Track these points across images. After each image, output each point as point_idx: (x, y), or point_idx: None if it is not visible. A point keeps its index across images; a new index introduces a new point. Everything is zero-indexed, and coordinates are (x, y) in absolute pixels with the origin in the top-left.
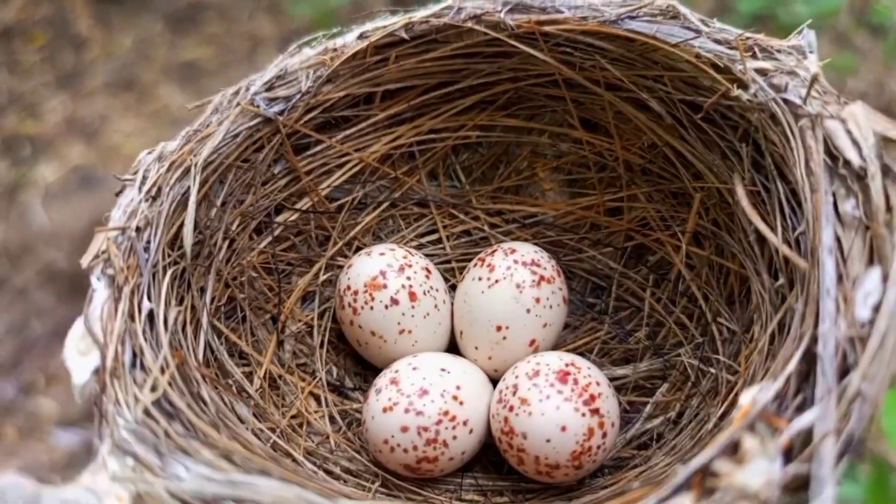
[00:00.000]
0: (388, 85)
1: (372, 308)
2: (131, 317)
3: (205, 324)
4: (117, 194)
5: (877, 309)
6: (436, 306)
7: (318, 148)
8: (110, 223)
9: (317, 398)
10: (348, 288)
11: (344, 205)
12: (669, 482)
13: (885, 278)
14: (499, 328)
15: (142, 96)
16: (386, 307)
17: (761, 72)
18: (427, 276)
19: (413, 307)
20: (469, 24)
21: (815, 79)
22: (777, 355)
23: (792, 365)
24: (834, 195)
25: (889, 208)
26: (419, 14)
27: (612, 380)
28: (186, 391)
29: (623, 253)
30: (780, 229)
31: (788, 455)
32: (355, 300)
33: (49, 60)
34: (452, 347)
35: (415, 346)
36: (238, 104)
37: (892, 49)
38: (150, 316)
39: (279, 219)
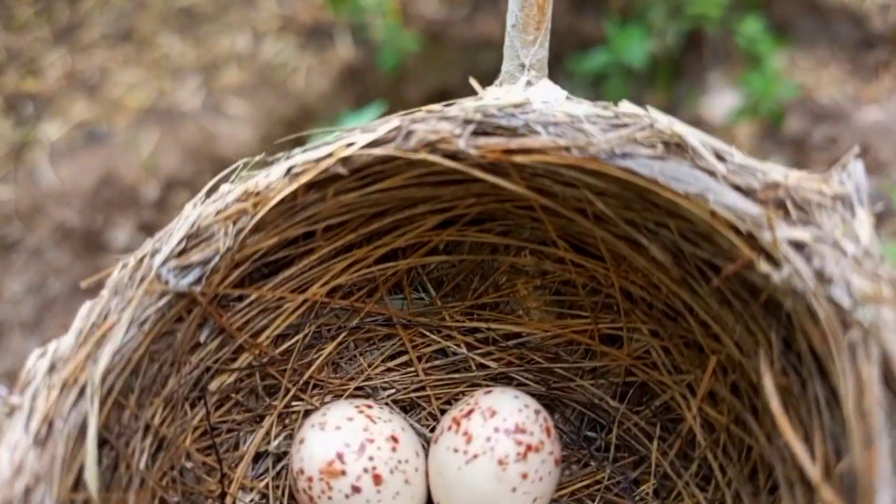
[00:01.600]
0: (328, 221)
1: (331, 498)
2: None
3: None
4: (8, 415)
5: None
6: (406, 481)
7: (252, 298)
8: None
9: None
10: (301, 471)
11: (292, 348)
12: None
13: None
14: None
15: (141, 46)
16: (346, 496)
17: (797, 244)
18: (394, 448)
19: (379, 491)
20: (421, 156)
21: (850, 260)
22: None
23: None
24: (892, 435)
25: None
26: (359, 142)
27: None
28: None
29: (619, 388)
30: (818, 446)
31: None
32: (310, 487)
33: (44, 14)
34: None
35: None
36: (142, 281)
37: None
38: None
39: (213, 386)
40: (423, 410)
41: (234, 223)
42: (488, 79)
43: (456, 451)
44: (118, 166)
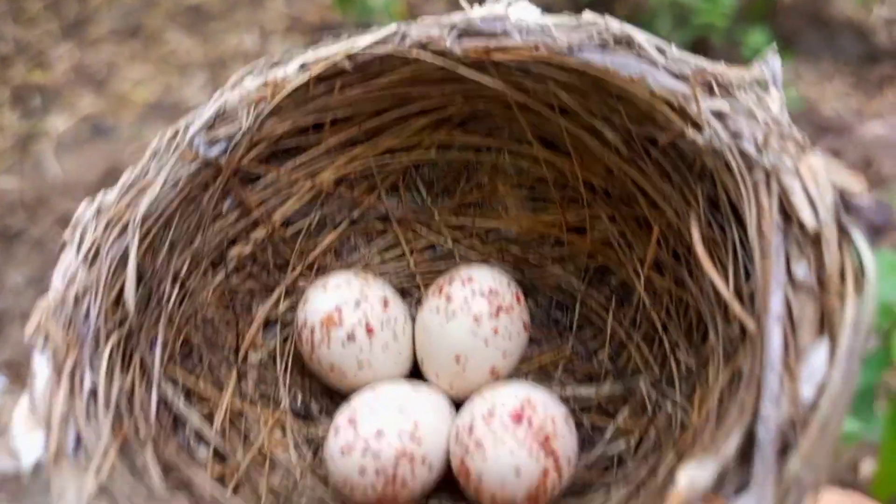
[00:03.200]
0: (335, 113)
1: (329, 346)
2: (71, 394)
3: (156, 377)
4: (59, 251)
5: (821, 388)
6: (395, 337)
7: (269, 179)
8: (50, 290)
9: (282, 427)
10: (305, 324)
11: (300, 230)
12: None
13: (832, 356)
14: (458, 359)
15: (148, 42)
16: (343, 344)
17: (718, 114)
18: (385, 308)
19: (371, 341)
20: (414, 53)
21: (759, 125)
22: (723, 420)
23: (731, 444)
24: (787, 256)
25: (843, 277)
26: (362, 42)
27: (575, 398)
28: (132, 470)
29: (586, 272)
30: (732, 279)
31: None
32: (312, 336)
33: (53, 8)
34: (416, 369)
35: (374, 377)
36: (176, 149)
37: None
38: (94, 392)
39: (232, 252)
40: (413, 296)
41: (255, 107)
42: None
43: (438, 310)
44: (123, 160)
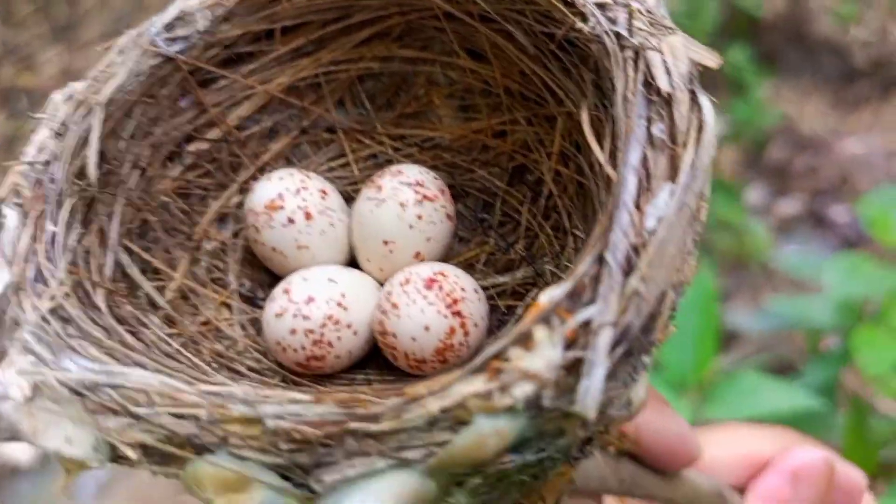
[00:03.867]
0: (284, 22)
1: (272, 227)
2: (35, 239)
3: (112, 244)
4: (32, 132)
5: (661, 219)
6: (331, 224)
7: (223, 83)
8: (22, 157)
9: (229, 307)
10: (251, 210)
11: (253, 133)
12: (468, 366)
13: (672, 194)
14: (386, 242)
15: None
16: (283, 226)
17: (601, 6)
18: (323, 197)
19: (308, 225)
20: None
21: (635, 12)
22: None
23: (583, 267)
24: (648, 117)
25: (689, 133)
26: None
27: (493, 286)
28: (84, 302)
29: (507, 172)
30: (609, 147)
31: (573, 344)
32: (257, 220)
33: (43, 11)
34: (352, 261)
35: (312, 260)
36: (140, 45)
37: None
38: (53, 238)
39: (190, 148)
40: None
41: (212, 12)
42: None
43: (370, 199)
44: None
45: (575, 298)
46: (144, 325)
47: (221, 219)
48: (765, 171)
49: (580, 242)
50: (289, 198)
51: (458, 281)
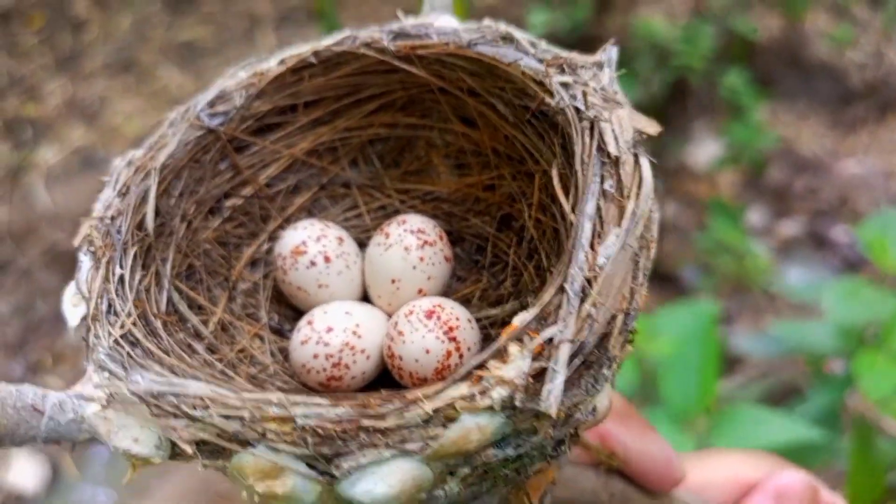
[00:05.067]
0: (306, 97)
1: (297, 269)
2: (107, 280)
3: (166, 283)
4: (98, 193)
5: (609, 257)
6: (347, 266)
7: (255, 149)
8: (93, 214)
9: (261, 338)
10: (279, 254)
11: (280, 190)
12: (455, 375)
13: (618, 236)
14: (393, 281)
15: (141, 77)
16: (306, 268)
17: (565, 84)
18: (339, 243)
19: (328, 267)
20: (362, 50)
21: (588, 91)
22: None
23: (547, 296)
24: (601, 176)
25: (632, 187)
26: (324, 42)
27: (486, 318)
28: (146, 329)
29: (496, 220)
30: (572, 199)
31: (539, 357)
32: (284, 263)
33: (48, 43)
34: (365, 297)
35: (331, 297)
36: (187, 119)
37: (890, 19)
38: (122, 279)
39: (227, 203)
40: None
41: (246, 90)
42: None
43: (379, 244)
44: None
45: (541, 321)
46: (193, 349)
47: (254, 263)
48: (765, 192)
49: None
50: (311, 244)
51: (454, 312)
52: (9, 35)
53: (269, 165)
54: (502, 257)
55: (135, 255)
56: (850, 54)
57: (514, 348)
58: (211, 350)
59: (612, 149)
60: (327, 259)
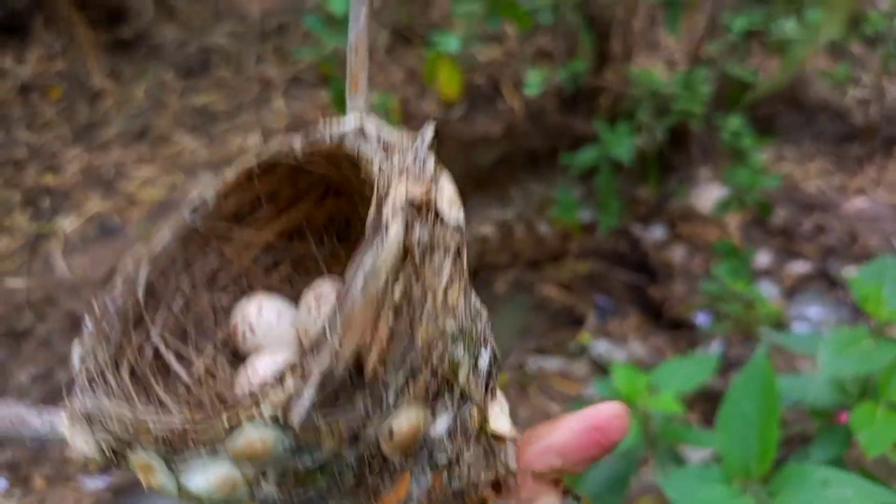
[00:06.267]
0: (262, 193)
1: (239, 342)
2: (99, 340)
3: (153, 340)
4: (115, 259)
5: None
6: (270, 327)
7: (236, 235)
8: (100, 298)
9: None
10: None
11: (261, 266)
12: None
13: (358, 275)
14: (303, 325)
15: (156, 144)
16: (244, 340)
17: (381, 163)
18: (260, 312)
19: (254, 334)
20: (283, 158)
21: (392, 165)
22: None
23: (312, 337)
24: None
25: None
26: (264, 152)
27: None
28: (126, 374)
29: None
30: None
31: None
32: (231, 339)
33: (65, 113)
34: None
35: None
36: (175, 220)
37: (889, 56)
38: (109, 338)
39: (218, 279)
40: None
41: (216, 194)
42: (486, 171)
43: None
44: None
45: (304, 356)
46: (169, 389)
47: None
48: (772, 233)
49: None
50: (239, 322)
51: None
52: (28, 107)
53: (247, 249)
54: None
55: (125, 320)
56: (851, 92)
57: (288, 374)
58: (188, 390)
59: (385, 207)
60: (251, 328)
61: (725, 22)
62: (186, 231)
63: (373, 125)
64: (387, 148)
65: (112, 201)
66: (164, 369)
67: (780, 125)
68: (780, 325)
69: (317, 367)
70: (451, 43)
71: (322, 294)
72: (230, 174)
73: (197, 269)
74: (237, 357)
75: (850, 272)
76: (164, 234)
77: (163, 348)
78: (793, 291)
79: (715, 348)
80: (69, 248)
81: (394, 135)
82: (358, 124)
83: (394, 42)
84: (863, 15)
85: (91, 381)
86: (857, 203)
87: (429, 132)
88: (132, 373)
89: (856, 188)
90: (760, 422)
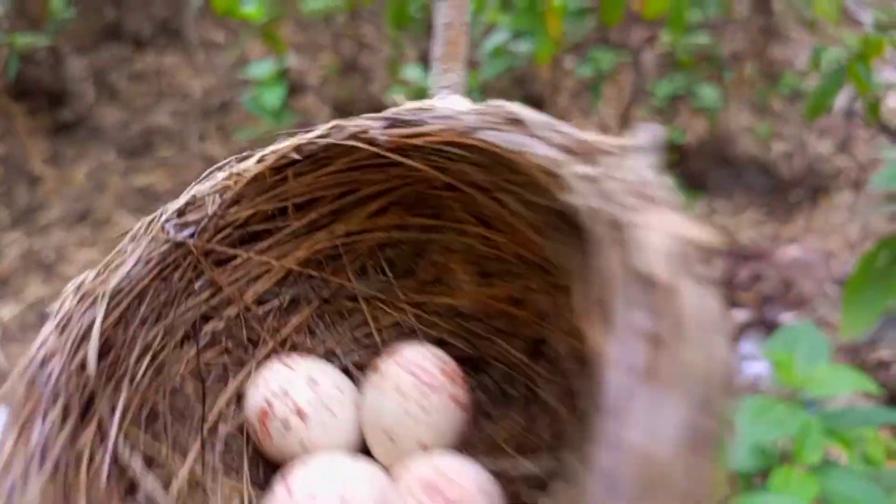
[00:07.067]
0: (294, 199)
1: (271, 438)
2: (17, 443)
3: (112, 441)
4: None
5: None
6: (331, 413)
7: (239, 260)
8: (25, 356)
9: (240, 497)
10: (249, 420)
11: (273, 309)
12: None
13: (666, 406)
14: (389, 432)
15: (97, 226)
16: (282, 432)
17: (585, 177)
18: (314, 387)
19: (306, 424)
20: (350, 142)
21: (615, 185)
22: None
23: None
24: (634, 308)
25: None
26: (308, 135)
27: (517, 473)
28: None
29: (526, 344)
30: (601, 336)
31: None
32: (257, 433)
33: (4, 198)
34: (364, 444)
35: (319, 450)
36: (150, 232)
37: (810, 112)
38: (44, 446)
39: (206, 328)
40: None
41: (221, 195)
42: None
43: (371, 385)
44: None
45: None
46: None
47: (239, 398)
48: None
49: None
50: (277, 403)
51: (463, 482)
52: None
53: (257, 279)
54: (536, 391)
55: (67, 407)
56: (775, 146)
57: None
58: None
59: (645, 266)
60: (301, 414)
61: (650, 89)
62: (168, 249)
63: (510, 104)
64: (581, 153)
65: (52, 286)
66: (129, 494)
67: (710, 181)
68: None
69: None
70: None
71: (409, 362)
72: (252, 165)
73: (176, 311)
74: (244, 455)
75: (787, 318)
76: (132, 254)
77: (126, 454)
78: (733, 340)
79: None
80: (8, 337)
81: (571, 131)
82: (503, 110)
83: (335, 117)
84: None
85: None
86: (790, 251)
87: (651, 131)
88: None
89: (787, 237)
90: None
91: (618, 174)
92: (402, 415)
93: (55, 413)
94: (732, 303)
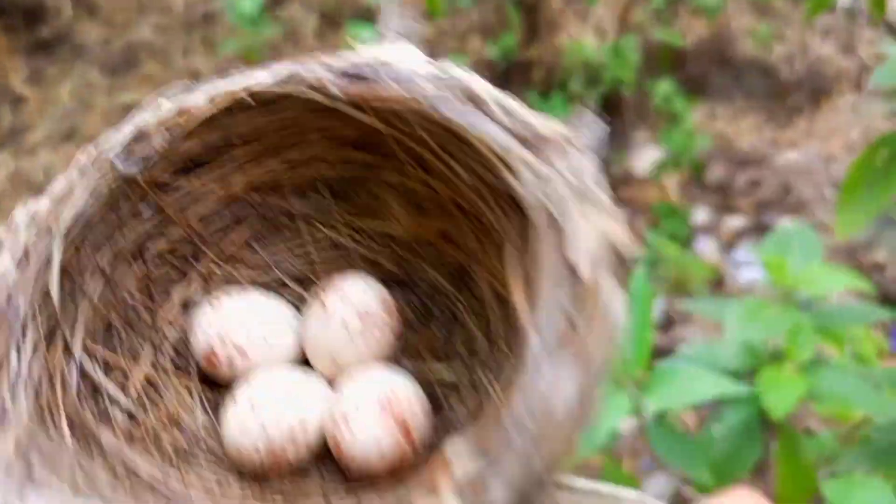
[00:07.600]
0: (242, 135)
1: (220, 372)
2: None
3: (77, 356)
4: None
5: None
6: (269, 343)
7: (184, 188)
8: None
9: (190, 392)
10: (199, 359)
11: (217, 229)
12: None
13: (573, 379)
14: (333, 354)
15: (84, 144)
16: (229, 367)
17: (529, 165)
18: (252, 327)
19: (246, 360)
20: (307, 94)
21: (556, 178)
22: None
23: (485, 427)
24: (561, 298)
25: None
26: (261, 79)
27: (434, 376)
28: (48, 433)
29: (451, 275)
30: (529, 306)
31: (471, 494)
32: (207, 367)
33: None
34: (304, 357)
35: (267, 367)
36: (98, 166)
37: (811, 11)
38: (18, 373)
39: (152, 247)
40: (312, 284)
41: (169, 131)
42: None
43: (315, 317)
44: None
45: (477, 453)
46: (103, 431)
47: (185, 306)
48: (708, 189)
49: (505, 356)
50: (218, 347)
51: (410, 403)
52: None
53: (200, 202)
54: (456, 313)
55: (35, 337)
56: (777, 48)
57: (444, 484)
58: (131, 417)
59: (576, 264)
60: (242, 352)
61: None
62: (117, 185)
63: (470, 76)
64: (527, 137)
65: None
66: (94, 397)
67: (710, 85)
68: (717, 280)
69: (501, 479)
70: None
71: (348, 295)
72: (202, 104)
73: (124, 236)
74: (191, 356)
75: (785, 223)
76: (83, 190)
77: (89, 365)
78: (730, 246)
79: (658, 305)
80: None
81: (522, 113)
82: (460, 82)
83: (322, 26)
84: None
85: (9, 463)
86: (790, 156)
87: (588, 118)
88: (71, 424)
89: (787, 141)
90: (636, 332)
91: (562, 167)
92: (346, 344)
93: (28, 343)
94: (730, 209)
